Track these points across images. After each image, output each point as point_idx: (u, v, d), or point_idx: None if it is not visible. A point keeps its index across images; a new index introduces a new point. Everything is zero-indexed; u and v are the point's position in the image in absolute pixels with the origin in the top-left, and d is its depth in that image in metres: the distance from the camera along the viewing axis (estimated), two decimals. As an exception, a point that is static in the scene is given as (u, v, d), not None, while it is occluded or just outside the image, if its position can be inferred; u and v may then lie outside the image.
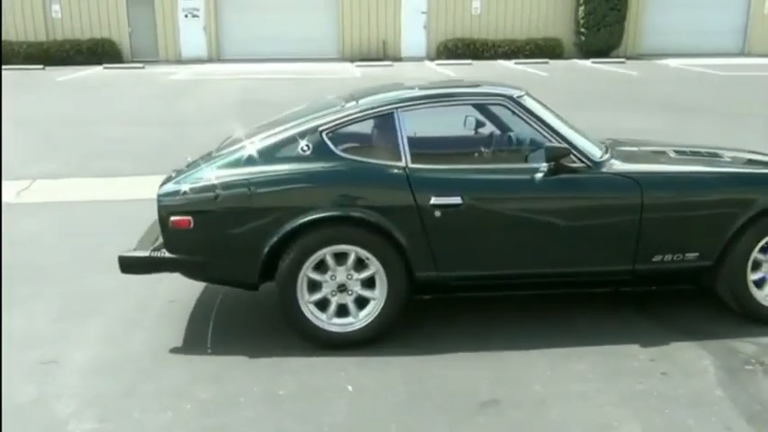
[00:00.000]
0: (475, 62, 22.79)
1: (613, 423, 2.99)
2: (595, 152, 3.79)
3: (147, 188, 7.38)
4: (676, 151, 4.28)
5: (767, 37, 25.88)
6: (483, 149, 4.04)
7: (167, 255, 3.61)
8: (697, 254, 3.76)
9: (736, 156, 4.32)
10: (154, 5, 23.62)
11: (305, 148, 3.63)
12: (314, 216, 3.50)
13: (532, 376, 3.39)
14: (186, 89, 16.21)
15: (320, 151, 3.63)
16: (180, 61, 23.57)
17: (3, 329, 3.94)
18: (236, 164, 3.65)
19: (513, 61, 22.96)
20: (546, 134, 3.71)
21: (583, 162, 3.68)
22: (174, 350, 3.73)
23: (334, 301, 3.67)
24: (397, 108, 3.72)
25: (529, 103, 3.82)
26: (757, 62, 23.44)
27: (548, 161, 3.60)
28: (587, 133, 4.01)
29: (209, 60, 23.83)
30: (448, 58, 23.55)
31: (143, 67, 21.57)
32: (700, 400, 3.17)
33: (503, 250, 3.69)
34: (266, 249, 3.54)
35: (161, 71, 20.48)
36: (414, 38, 24.62)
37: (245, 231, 3.56)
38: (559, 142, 3.67)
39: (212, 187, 3.56)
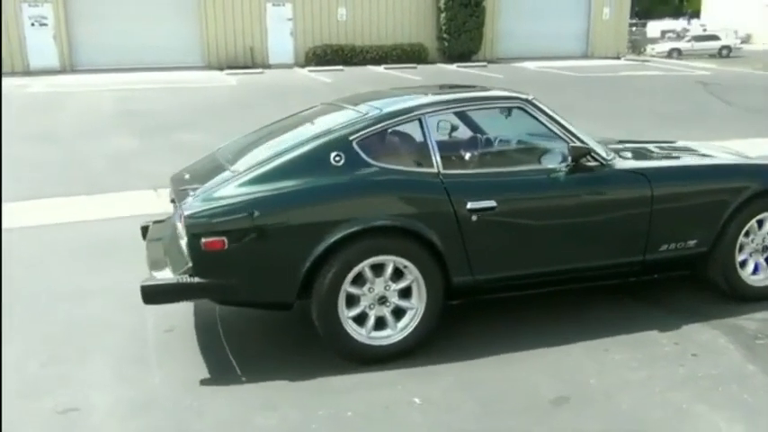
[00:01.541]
0: (346, 68, 22.95)
1: (682, 406, 3.14)
2: (603, 151, 3.96)
3: (67, 210, 6.82)
4: (658, 147, 4.58)
5: (606, 41, 28.23)
6: (504, 151, 4.10)
7: (197, 280, 3.33)
8: (696, 241, 4.04)
9: (707, 149, 4.68)
10: (-5, 12, 21.64)
11: (337, 158, 3.50)
12: (356, 228, 3.38)
13: (583, 370, 3.48)
14: (52, 102, 14.99)
15: (353, 161, 3.51)
16: (29, 72, 21.77)
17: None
18: (267, 178, 3.44)
19: (383, 66, 23.37)
20: (563, 134, 3.83)
21: (597, 161, 3.84)
22: (206, 382, 3.46)
23: (372, 315, 3.57)
24: (424, 113, 3.68)
25: (541, 105, 3.92)
26: (600, 64, 25.53)
27: (573, 160, 3.72)
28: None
29: (63, 71, 22.19)
30: (318, 64, 23.55)
31: (-12, 80, 19.67)
32: (740, 376, 3.41)
33: (532, 250, 3.76)
34: (306, 266, 3.38)
35: (11, 83, 18.77)
36: (281, 44, 24.38)
37: (284, 249, 3.38)
38: (574, 142, 3.81)
39: (246, 205, 3.34)
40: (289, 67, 23.82)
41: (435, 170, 3.59)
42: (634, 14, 48.70)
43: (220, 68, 23.06)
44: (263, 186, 3.41)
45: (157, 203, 7.10)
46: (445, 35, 25.02)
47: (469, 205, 3.55)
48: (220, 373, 3.55)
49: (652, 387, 3.32)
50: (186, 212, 3.32)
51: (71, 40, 22.64)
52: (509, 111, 3.90)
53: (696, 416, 3.07)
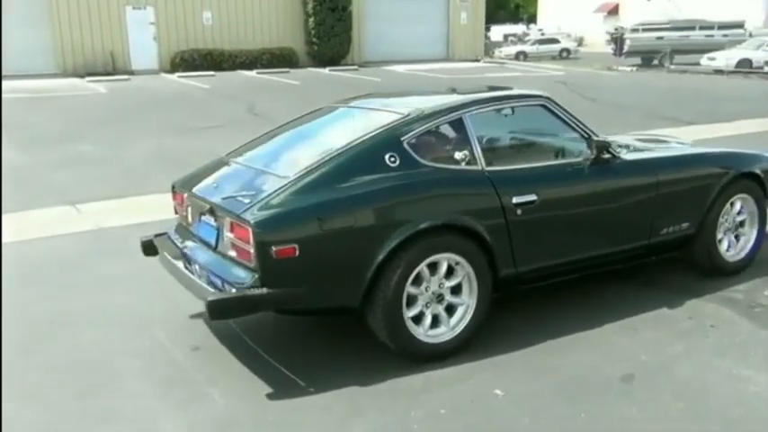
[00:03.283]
0: (217, 73, 22.33)
1: (732, 371, 3.45)
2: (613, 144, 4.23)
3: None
4: (639, 140, 4.96)
5: (464, 44, 29.55)
6: (533, 147, 4.26)
7: (267, 290, 3.19)
8: (688, 224, 4.43)
9: (675, 140, 5.13)
10: None
11: (392, 159, 3.49)
12: (419, 227, 3.40)
13: (628, 349, 3.71)
14: None
15: (406, 161, 3.52)
16: None
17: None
18: (325, 182, 3.36)
19: (255, 71, 23.00)
20: (581, 130, 4.06)
21: (611, 153, 4.10)
22: (274, 397, 3.32)
23: (429, 313, 3.60)
24: (465, 112, 3.76)
25: (558, 103, 4.12)
26: (462, 66, 26.72)
27: (597, 153, 3.96)
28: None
29: None
30: (186, 69, 22.73)
31: None
32: (760, 341, 3.79)
33: (565, 239, 3.96)
34: (372, 269, 3.35)
35: None
36: (144, 49, 23.28)
37: (351, 252, 3.33)
38: (591, 136, 4.05)
39: (314, 210, 3.26)
40: (154, 73, 22.79)
41: (480, 167, 3.69)
42: (477, 19, 51.38)
43: (78, 75, 21.63)
44: (324, 190, 3.34)
45: (81, 220, 6.62)
46: (314, 39, 25.06)
47: (515, 200, 3.68)
48: (281, 386, 3.42)
49: (697, 357, 3.61)
50: (253, 221, 3.17)
51: None
52: (532, 108, 4.07)
53: (747, 379, 3.38)
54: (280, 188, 3.35)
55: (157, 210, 6.72)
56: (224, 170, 3.95)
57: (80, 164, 9.38)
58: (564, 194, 3.92)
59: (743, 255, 4.78)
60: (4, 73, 20.41)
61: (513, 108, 4.03)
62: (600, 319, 4.06)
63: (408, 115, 3.71)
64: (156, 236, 4.22)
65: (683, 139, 5.56)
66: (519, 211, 3.69)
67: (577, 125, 4.07)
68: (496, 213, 3.64)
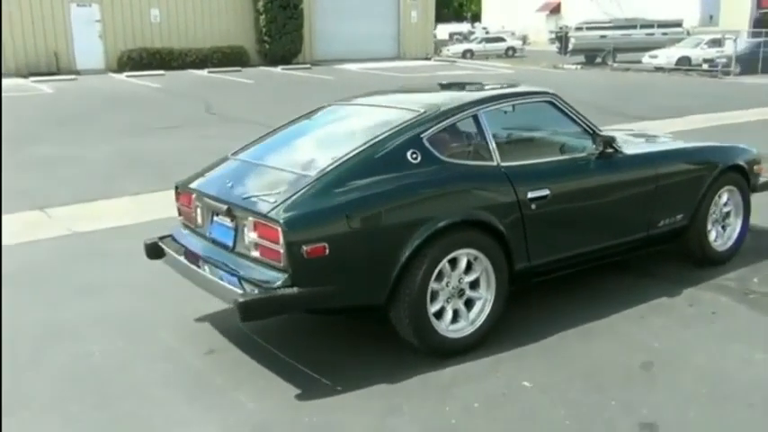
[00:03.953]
0: (167, 73, 21.86)
1: (744, 356, 3.58)
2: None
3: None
4: (631, 135, 5.09)
5: (415, 43, 29.71)
6: (543, 142, 4.32)
7: (298, 290, 3.16)
8: (682, 215, 4.57)
9: (663, 135, 5.28)
10: None
11: (414, 155, 3.50)
12: (443, 224, 3.41)
13: (639, 337, 3.81)
14: None
15: (428, 159, 3.53)
16: None
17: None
18: (350, 180, 3.34)
19: (207, 70, 22.64)
20: (585, 125, 4.15)
21: (614, 148, 4.21)
22: (303, 397, 3.28)
23: (449, 308, 3.62)
24: (479, 109, 3.80)
25: (563, 99, 4.20)
26: (414, 64, 26.85)
27: (604, 148, 4.05)
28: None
29: None
30: (133, 69, 22.19)
31: None
32: (763, 326, 3.95)
33: (575, 233, 4.04)
34: (398, 266, 3.35)
35: None
36: (89, 48, 22.62)
37: (377, 250, 3.32)
38: (595, 132, 4.14)
39: (342, 208, 3.24)
40: (100, 72, 22.17)
41: (495, 163, 3.73)
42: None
43: (20, 75, 20.87)
44: (349, 188, 3.32)
45: (52, 225, 6.41)
46: (266, 37, 24.79)
47: (529, 195, 3.73)
48: (307, 386, 3.38)
49: (707, 343, 3.73)
50: (282, 221, 3.13)
51: None
52: (540, 104, 4.14)
53: (761, 362, 3.52)
54: (304, 187, 3.32)
55: (131, 212, 6.62)
56: (235, 169, 3.89)
57: (41, 167, 9.07)
58: (573, 189, 4.00)
59: (729, 244, 4.95)
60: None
61: (517, 105, 4.09)
62: (605, 310, 4.15)
63: (425, 112, 3.72)
64: (161, 238, 4.12)
65: (667, 133, 5.74)
66: (533, 206, 3.75)
67: (582, 121, 4.16)
68: (513, 208, 3.68)
